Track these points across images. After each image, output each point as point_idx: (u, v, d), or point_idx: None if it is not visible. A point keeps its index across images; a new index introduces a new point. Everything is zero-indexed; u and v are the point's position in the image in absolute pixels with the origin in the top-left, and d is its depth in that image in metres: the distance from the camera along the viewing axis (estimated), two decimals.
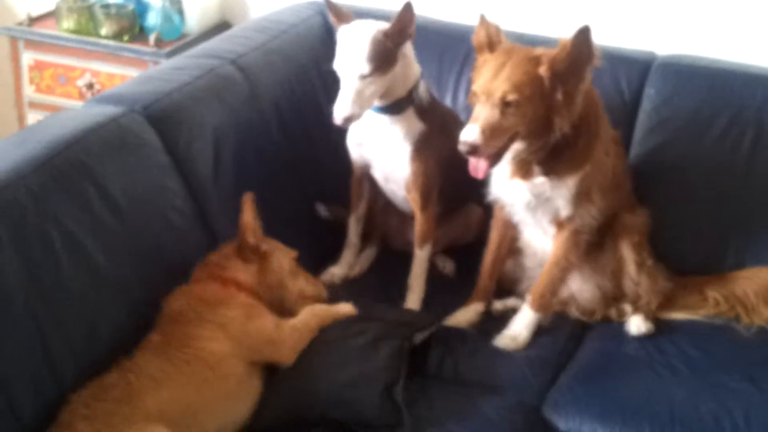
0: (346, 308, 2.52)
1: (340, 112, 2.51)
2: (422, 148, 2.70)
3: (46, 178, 2.17)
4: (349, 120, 2.52)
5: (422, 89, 2.71)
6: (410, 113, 2.68)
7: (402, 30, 2.53)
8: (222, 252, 2.45)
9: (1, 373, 1.95)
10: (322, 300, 2.57)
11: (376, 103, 2.64)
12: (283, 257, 2.50)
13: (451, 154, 2.71)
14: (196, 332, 2.21)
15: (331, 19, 2.65)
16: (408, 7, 2.50)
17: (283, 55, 3.07)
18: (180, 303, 2.29)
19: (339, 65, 2.55)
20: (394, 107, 2.66)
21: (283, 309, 2.46)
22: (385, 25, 2.54)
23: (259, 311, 2.35)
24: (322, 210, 3.05)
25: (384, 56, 2.51)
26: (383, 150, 2.74)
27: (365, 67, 2.49)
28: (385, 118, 2.68)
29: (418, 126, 2.69)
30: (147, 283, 2.35)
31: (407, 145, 2.70)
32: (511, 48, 2.49)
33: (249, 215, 2.41)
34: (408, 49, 2.62)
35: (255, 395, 2.28)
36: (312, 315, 2.43)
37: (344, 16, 2.61)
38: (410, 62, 2.65)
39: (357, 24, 2.58)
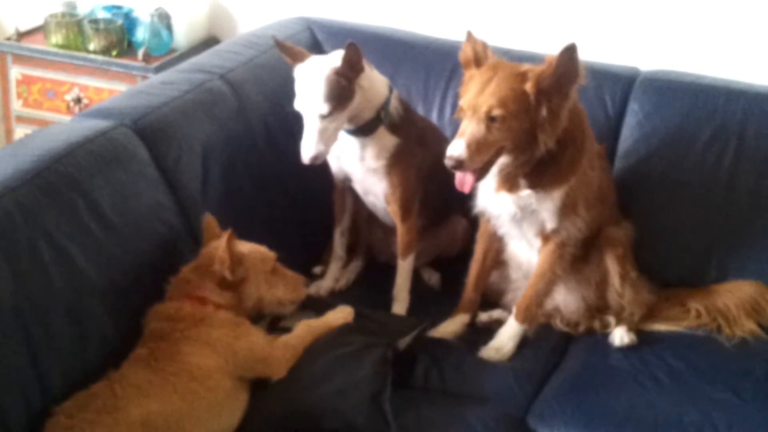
0: (341, 315, 2.52)
1: (306, 152, 2.54)
2: (398, 161, 2.72)
3: (35, 191, 2.17)
4: (316, 158, 2.55)
5: (394, 105, 2.72)
6: (381, 131, 2.70)
7: (352, 66, 2.54)
8: (197, 269, 2.39)
9: None
10: (300, 299, 2.54)
11: (345, 127, 2.66)
12: (258, 276, 2.43)
13: (432, 165, 2.75)
14: (182, 348, 2.21)
15: (286, 59, 2.65)
16: (352, 46, 2.50)
17: (271, 70, 3.09)
18: (160, 326, 2.27)
19: (299, 106, 2.57)
20: (364, 129, 2.68)
21: (263, 315, 2.48)
22: (336, 63, 2.54)
23: (245, 329, 2.34)
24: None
25: (340, 93, 2.52)
26: (360, 164, 2.76)
27: (324, 108, 2.50)
28: (358, 139, 2.71)
29: (392, 140, 2.72)
30: (136, 296, 2.35)
31: (382, 159, 2.72)
32: (497, 64, 2.51)
33: (225, 252, 2.33)
34: (366, 77, 2.61)
35: (242, 406, 2.28)
36: (308, 332, 2.42)
37: (298, 54, 2.62)
38: (371, 87, 2.64)
39: (311, 63, 2.58)
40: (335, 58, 2.57)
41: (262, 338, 2.34)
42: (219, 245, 2.34)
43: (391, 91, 2.73)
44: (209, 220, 2.49)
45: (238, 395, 2.27)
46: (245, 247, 2.43)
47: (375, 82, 2.68)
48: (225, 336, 2.27)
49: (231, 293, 2.38)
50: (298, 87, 2.57)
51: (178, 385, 2.14)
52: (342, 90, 2.53)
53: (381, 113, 2.68)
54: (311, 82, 2.53)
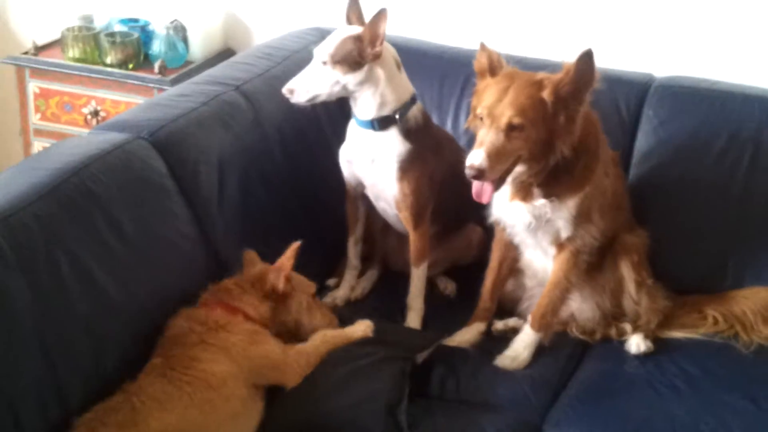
0: (360, 329, 2.53)
1: (289, 83, 2.71)
2: (410, 168, 2.74)
3: (53, 204, 2.19)
4: (291, 92, 2.71)
5: (414, 113, 2.76)
6: (394, 132, 2.73)
7: (372, 32, 2.63)
8: (239, 281, 2.46)
9: (8, 395, 1.97)
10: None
11: (358, 115, 2.73)
12: (302, 296, 2.53)
13: (448, 175, 2.77)
14: (198, 354, 2.22)
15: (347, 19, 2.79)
16: (382, 12, 2.62)
17: (286, 81, 3.08)
18: (181, 325, 2.31)
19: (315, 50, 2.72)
20: (377, 123, 2.73)
21: (296, 340, 2.48)
22: (359, 30, 2.67)
23: (263, 337, 2.36)
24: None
25: (346, 56, 2.65)
26: (371, 166, 2.79)
27: (325, 56, 2.66)
28: (369, 134, 2.74)
29: (404, 145, 2.74)
30: (153, 307, 2.37)
31: (393, 163, 2.74)
32: (513, 73, 2.52)
33: (289, 263, 2.46)
34: (386, 69, 2.69)
35: (258, 416, 2.29)
36: (322, 341, 2.44)
37: (357, 16, 2.76)
38: (389, 83, 2.70)
39: (348, 27, 2.72)
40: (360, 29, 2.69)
41: (277, 346, 2.36)
42: (285, 255, 2.47)
43: (414, 101, 2.78)
44: (249, 253, 2.56)
45: (253, 404, 2.28)
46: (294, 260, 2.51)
47: (397, 82, 2.73)
48: (241, 341, 2.29)
49: (271, 306, 2.44)
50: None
51: (195, 395, 2.15)
52: (349, 54, 2.64)
53: (397, 114, 2.71)
54: (333, 36, 2.69)
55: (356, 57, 2.65)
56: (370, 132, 2.74)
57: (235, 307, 2.39)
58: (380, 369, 2.40)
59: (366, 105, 2.72)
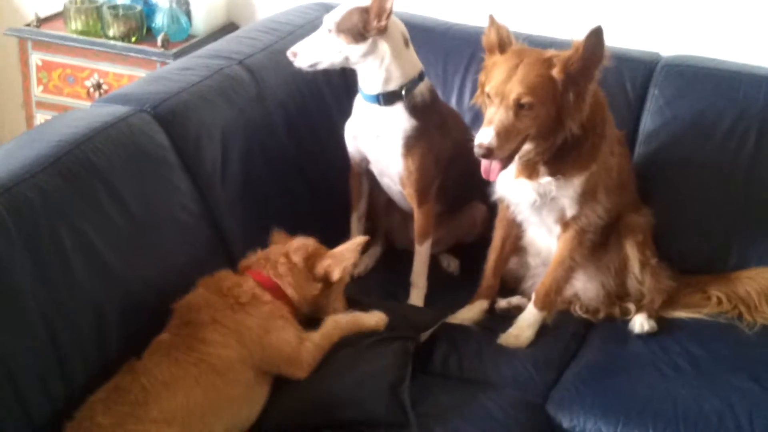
0: (373, 320, 2.48)
1: (293, 47, 2.74)
2: (415, 144, 2.73)
3: (55, 177, 2.18)
4: (295, 54, 2.73)
5: (421, 90, 2.74)
6: (399, 108, 2.71)
7: (377, 12, 2.62)
8: (291, 253, 2.41)
9: (11, 369, 1.96)
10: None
11: (364, 89, 2.72)
12: (341, 285, 2.50)
13: (453, 152, 2.75)
14: (207, 336, 2.19)
15: None
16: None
17: None
18: (200, 295, 2.27)
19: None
20: (382, 98, 2.71)
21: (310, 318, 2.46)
22: (367, 3, 2.65)
23: (281, 323, 2.30)
24: None
25: (351, 27, 2.65)
26: (376, 141, 2.77)
27: (331, 24, 2.66)
28: (374, 108, 2.72)
29: (409, 122, 2.72)
30: (155, 281, 2.36)
31: (398, 139, 2.73)
32: (522, 50, 2.50)
33: (351, 256, 2.44)
34: (391, 43, 2.67)
35: (262, 399, 2.27)
36: (335, 328, 2.40)
37: None
38: (395, 59, 2.69)
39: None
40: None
41: (294, 337, 2.30)
42: (348, 247, 2.45)
43: (422, 78, 2.75)
44: (281, 234, 2.54)
45: (259, 387, 2.26)
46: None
47: (404, 58, 2.71)
48: (257, 327, 2.25)
49: (318, 290, 2.41)
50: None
51: (200, 378, 2.13)
52: (354, 25, 2.65)
53: (403, 90, 2.69)
54: (343, 5, 2.68)
55: (361, 29, 2.64)
56: (376, 107, 2.73)
57: (273, 283, 2.35)
58: (383, 348, 2.40)
59: (371, 79, 2.70)
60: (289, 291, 2.36)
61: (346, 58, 2.69)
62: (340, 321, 2.43)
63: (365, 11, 2.64)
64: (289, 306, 2.36)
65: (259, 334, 2.25)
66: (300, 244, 2.46)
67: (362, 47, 2.66)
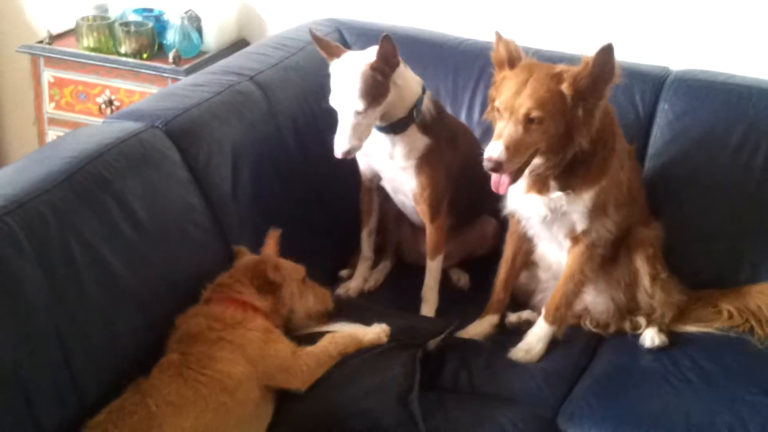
0: (375, 333, 2.48)
1: (340, 147, 2.55)
2: (428, 161, 2.72)
3: (67, 193, 2.19)
4: (349, 153, 2.57)
5: (426, 105, 2.73)
6: (413, 130, 2.70)
7: (387, 61, 2.55)
8: (234, 276, 2.43)
9: (24, 384, 1.97)
10: (329, 313, 2.56)
11: (377, 124, 2.66)
12: (292, 283, 2.48)
13: (463, 166, 2.76)
14: (215, 353, 2.20)
15: (323, 54, 2.65)
16: (387, 39, 2.51)
17: (301, 72, 3.10)
18: (198, 322, 2.28)
19: (335, 102, 2.58)
20: (395, 127, 2.68)
21: (291, 328, 2.47)
22: (372, 58, 2.55)
23: (276, 336, 2.34)
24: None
25: (375, 89, 2.54)
26: (389, 162, 2.76)
27: (359, 104, 2.52)
28: (388, 136, 2.71)
29: (423, 140, 2.72)
30: (166, 297, 2.37)
31: (412, 158, 2.72)
32: (531, 64, 2.51)
33: (272, 251, 2.44)
34: (400, 75, 2.63)
35: (268, 418, 2.27)
36: (331, 342, 2.40)
37: (334, 49, 2.63)
38: (405, 85, 2.66)
39: (347, 58, 2.59)
40: (371, 53, 2.57)
41: (288, 347, 2.33)
42: (267, 245, 2.44)
43: (424, 91, 2.73)
44: (240, 249, 2.56)
45: (265, 407, 2.26)
46: (279, 258, 2.49)
47: (408, 80, 2.68)
48: (257, 338, 2.27)
49: (270, 298, 2.41)
50: (334, 83, 2.58)
51: (210, 398, 2.12)
52: (377, 86, 2.54)
53: (413, 112, 2.68)
54: (347, 78, 2.53)
55: (381, 84, 2.55)
56: (387, 134, 2.70)
57: (244, 302, 2.36)
58: (390, 358, 2.40)
59: (384, 116, 2.65)
60: (259, 305, 2.38)
61: (381, 116, 2.62)
62: (336, 336, 2.43)
63: (371, 66, 2.53)
64: (271, 318, 2.39)
65: (260, 346, 2.27)
66: (243, 264, 2.46)
67: (389, 98, 2.60)
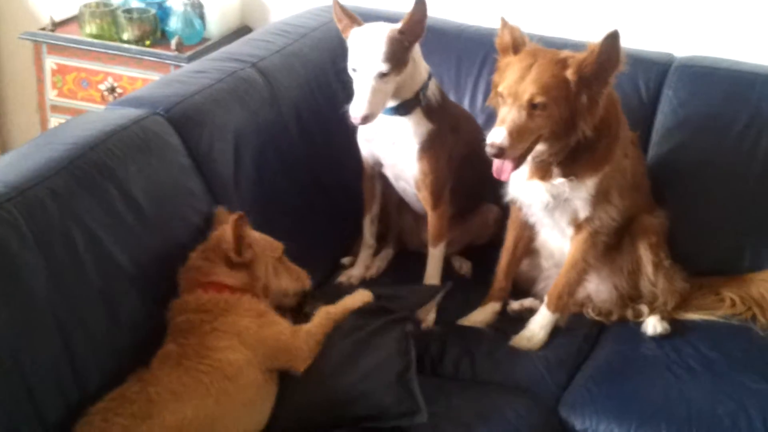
0: (359, 297, 2.49)
1: (358, 111, 2.53)
2: (430, 147, 2.71)
3: (69, 180, 2.19)
4: (366, 119, 2.54)
5: (432, 90, 2.73)
6: (418, 113, 2.69)
7: (414, 27, 2.55)
8: (205, 252, 2.35)
9: (25, 372, 1.96)
10: (306, 293, 2.53)
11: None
12: (267, 259, 2.42)
13: (465, 153, 2.75)
14: (212, 343, 2.18)
15: (340, 23, 2.65)
16: (420, 2, 2.51)
17: (303, 59, 3.10)
18: (188, 319, 2.24)
19: (356, 65, 2.56)
20: (401, 108, 2.67)
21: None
22: (397, 25, 2.56)
23: (271, 318, 2.32)
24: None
25: (399, 55, 2.54)
26: (392, 147, 2.76)
27: (383, 66, 2.51)
28: (392, 118, 2.70)
29: (426, 125, 2.71)
30: (168, 284, 2.35)
31: (415, 143, 2.71)
32: (536, 50, 2.50)
33: (230, 234, 2.30)
34: (416, 51, 2.64)
35: (271, 401, 2.26)
36: (327, 318, 2.39)
37: (354, 18, 2.64)
38: (418, 64, 2.67)
39: (372, 25, 2.60)
40: (393, 24, 2.57)
41: (287, 328, 2.32)
42: (226, 226, 2.33)
43: (430, 77, 2.73)
44: (220, 211, 2.50)
45: (268, 388, 2.25)
46: (255, 233, 2.41)
47: (420, 61, 2.69)
48: (252, 324, 2.25)
49: (243, 274, 2.35)
50: (356, 47, 2.57)
51: (212, 386, 2.11)
52: (402, 51, 2.54)
53: (420, 95, 2.67)
54: (372, 41, 2.53)
55: (405, 50, 2.54)
56: (392, 116, 2.69)
57: (218, 283, 2.31)
58: (383, 336, 2.37)
59: (395, 93, 2.63)
60: (233, 283, 2.32)
61: (397, 87, 2.60)
62: (329, 309, 2.42)
63: (398, 30, 2.53)
64: (251, 294, 2.34)
65: (257, 331, 2.25)
66: (211, 239, 2.38)
67: (407, 69, 2.59)
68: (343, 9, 2.65)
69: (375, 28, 2.58)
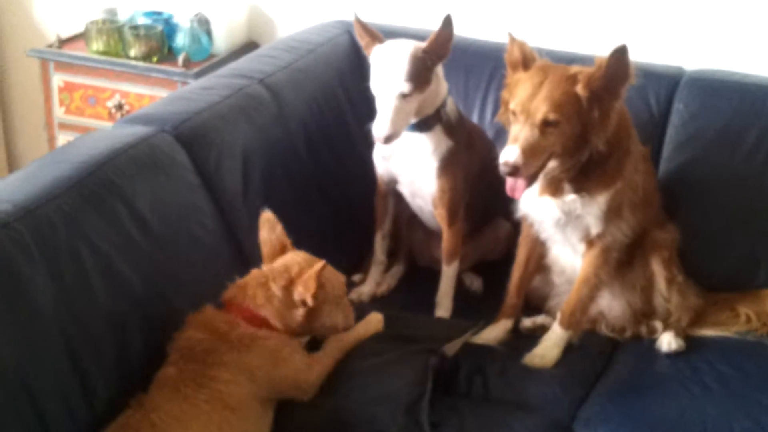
0: (372, 324, 2.46)
1: (381, 130, 2.52)
2: (449, 164, 2.70)
3: (77, 198, 2.18)
4: (389, 138, 2.53)
5: (450, 106, 2.71)
6: (438, 130, 2.68)
7: (440, 47, 2.54)
8: (263, 285, 2.25)
9: (33, 390, 1.95)
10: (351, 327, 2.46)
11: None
12: (332, 302, 2.31)
13: (479, 169, 2.73)
14: (216, 375, 2.13)
15: (362, 40, 2.63)
16: (447, 22, 2.50)
17: (310, 74, 3.09)
18: (200, 338, 2.18)
19: (378, 84, 2.55)
20: (422, 125, 2.66)
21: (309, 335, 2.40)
22: (422, 44, 2.54)
23: (287, 353, 2.23)
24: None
25: (422, 74, 2.52)
26: (410, 165, 2.74)
27: (405, 86, 2.49)
28: (413, 135, 2.68)
29: (446, 143, 2.69)
30: (176, 302, 2.34)
31: (434, 161, 2.70)
32: (546, 66, 2.48)
33: (312, 284, 2.20)
34: (439, 68, 2.63)
35: (269, 426, 2.22)
36: (338, 349, 2.35)
37: (376, 36, 2.62)
38: (440, 81, 2.66)
39: (394, 43, 2.58)
40: (418, 42, 2.55)
41: (302, 362, 2.26)
42: (310, 272, 2.21)
43: (447, 94, 2.72)
44: (268, 216, 2.39)
45: (266, 417, 2.22)
46: (328, 270, 2.30)
47: (442, 78, 2.67)
48: (265, 365, 2.19)
49: (300, 315, 2.26)
50: (379, 65, 2.55)
51: (213, 414, 2.08)
52: (425, 71, 2.52)
53: (441, 112, 2.66)
54: (394, 60, 2.51)
55: (428, 71, 2.53)
56: (413, 133, 2.67)
57: (261, 316, 2.24)
58: (402, 363, 2.37)
59: (418, 110, 2.61)
60: (276, 323, 2.25)
61: (421, 105, 2.58)
62: (341, 338, 2.38)
63: (423, 49, 2.51)
64: (286, 334, 2.27)
65: (269, 370, 2.19)
66: (282, 269, 2.27)
67: (431, 87, 2.57)
68: (364, 26, 2.63)
69: (398, 46, 2.55)
